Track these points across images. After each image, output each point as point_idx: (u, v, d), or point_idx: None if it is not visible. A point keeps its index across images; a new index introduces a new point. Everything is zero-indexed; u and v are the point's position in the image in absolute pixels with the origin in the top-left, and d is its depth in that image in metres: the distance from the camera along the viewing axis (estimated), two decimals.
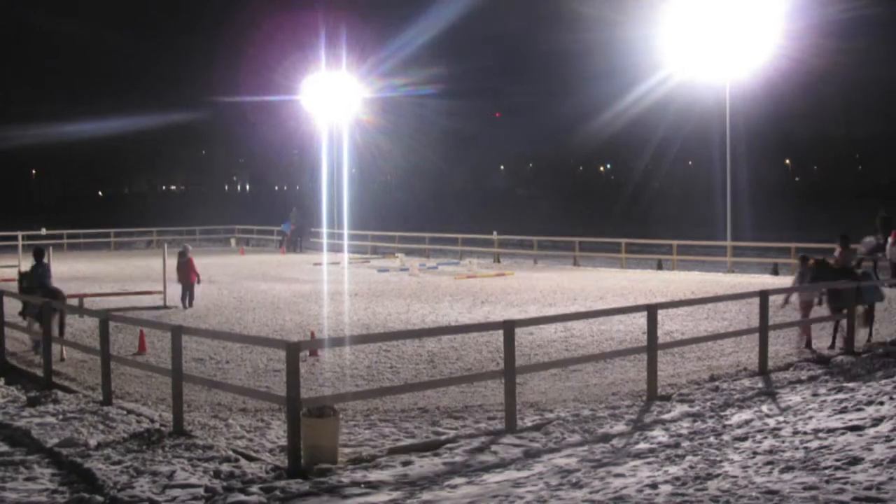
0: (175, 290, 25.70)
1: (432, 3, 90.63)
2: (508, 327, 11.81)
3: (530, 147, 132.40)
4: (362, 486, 8.98)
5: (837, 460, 8.85)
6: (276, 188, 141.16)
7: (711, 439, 10.37)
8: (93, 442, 10.85)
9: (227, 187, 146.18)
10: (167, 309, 24.77)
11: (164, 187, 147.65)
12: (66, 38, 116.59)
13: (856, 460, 8.78)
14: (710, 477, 8.61)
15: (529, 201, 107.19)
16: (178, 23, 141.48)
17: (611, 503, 7.97)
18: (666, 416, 11.83)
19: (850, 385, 13.13)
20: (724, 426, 11.05)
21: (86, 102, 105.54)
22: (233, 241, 59.13)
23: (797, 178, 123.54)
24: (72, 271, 37.96)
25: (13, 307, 21.39)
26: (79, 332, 20.49)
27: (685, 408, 12.28)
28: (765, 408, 12.02)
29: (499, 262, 43.80)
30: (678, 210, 73.06)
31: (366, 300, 26.90)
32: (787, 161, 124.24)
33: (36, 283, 18.25)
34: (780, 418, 11.27)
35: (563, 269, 39.62)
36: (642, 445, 10.32)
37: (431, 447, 10.54)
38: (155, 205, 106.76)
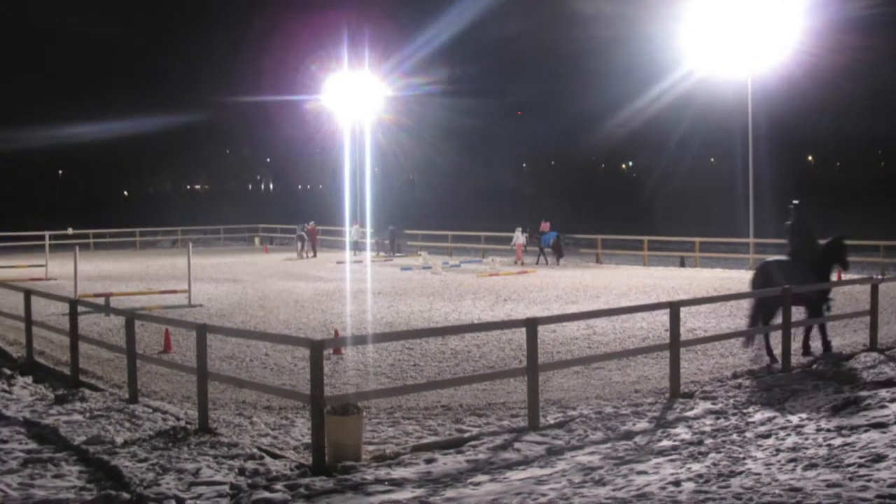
0: (200, 289, 25.79)
1: (455, 1, 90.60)
2: (531, 325, 11.81)
3: (552, 145, 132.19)
4: (386, 483, 9.01)
5: (861, 458, 8.81)
6: (300, 187, 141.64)
7: (734, 437, 10.36)
8: (119, 439, 10.94)
9: (250, 186, 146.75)
10: (192, 307, 24.89)
11: (188, 187, 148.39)
12: (92, 40, 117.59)
13: (879, 457, 8.75)
14: (733, 474, 8.60)
15: (550, 198, 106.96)
16: (201, 23, 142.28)
17: (634, 500, 7.98)
18: (689, 414, 11.82)
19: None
20: (748, 423, 11.03)
21: (110, 103, 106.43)
22: (257, 240, 59.44)
23: (819, 175, 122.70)
24: (98, 270, 38.27)
25: (41, 306, 21.65)
26: (105, 330, 20.65)
27: (708, 405, 12.25)
28: (788, 405, 11.99)
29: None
30: (700, 207, 72.75)
31: (389, 298, 26.97)
32: (810, 157, 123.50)
33: None
34: (804, 415, 11.24)
35: (586, 267, 39.59)
36: (665, 443, 10.32)
37: (455, 444, 10.57)
38: (179, 204, 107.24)
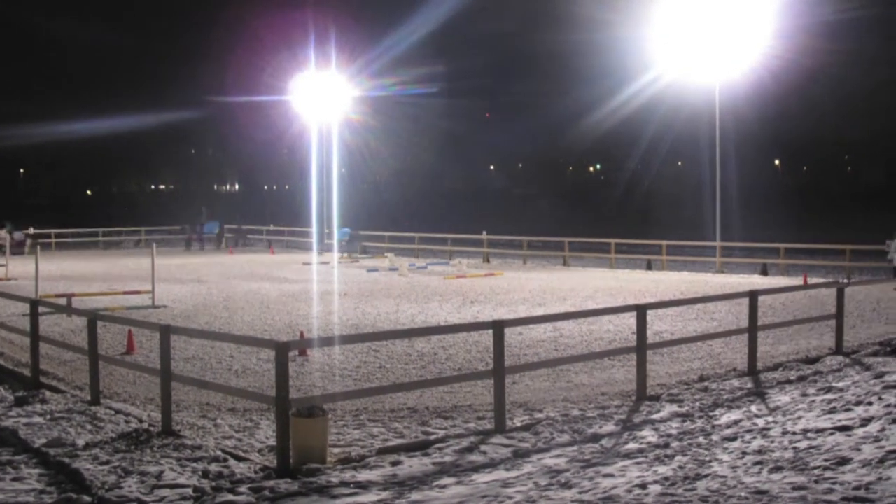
0: (164, 290, 25.59)
1: (423, 2, 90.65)
2: (498, 327, 11.78)
3: (521, 147, 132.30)
4: (351, 486, 8.94)
5: (826, 460, 8.85)
6: (266, 188, 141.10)
7: (701, 439, 10.37)
8: (81, 442, 10.79)
9: (216, 187, 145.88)
10: (156, 308, 24.66)
11: (153, 186, 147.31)
12: (54, 38, 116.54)
13: (844, 460, 8.79)
14: (699, 477, 8.61)
15: (519, 201, 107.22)
16: (167, 23, 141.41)
17: (600, 503, 7.96)
18: (655, 417, 11.83)
19: (839, 385, 13.16)
20: (714, 426, 11.06)
21: (75, 102, 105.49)
22: (222, 241, 59.03)
23: (787, 179, 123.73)
24: (60, 270, 37.86)
25: (1, 307, 21.39)
26: (67, 331, 20.39)
27: (674, 408, 12.28)
28: (754, 408, 12.03)
29: (488, 262, 43.87)
30: (668, 210, 73.17)
31: (355, 300, 26.86)
32: (777, 162, 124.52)
33: None
34: (770, 418, 11.28)
35: (553, 270, 39.68)
36: (632, 445, 10.31)
37: (421, 447, 10.52)
38: (144, 204, 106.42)
